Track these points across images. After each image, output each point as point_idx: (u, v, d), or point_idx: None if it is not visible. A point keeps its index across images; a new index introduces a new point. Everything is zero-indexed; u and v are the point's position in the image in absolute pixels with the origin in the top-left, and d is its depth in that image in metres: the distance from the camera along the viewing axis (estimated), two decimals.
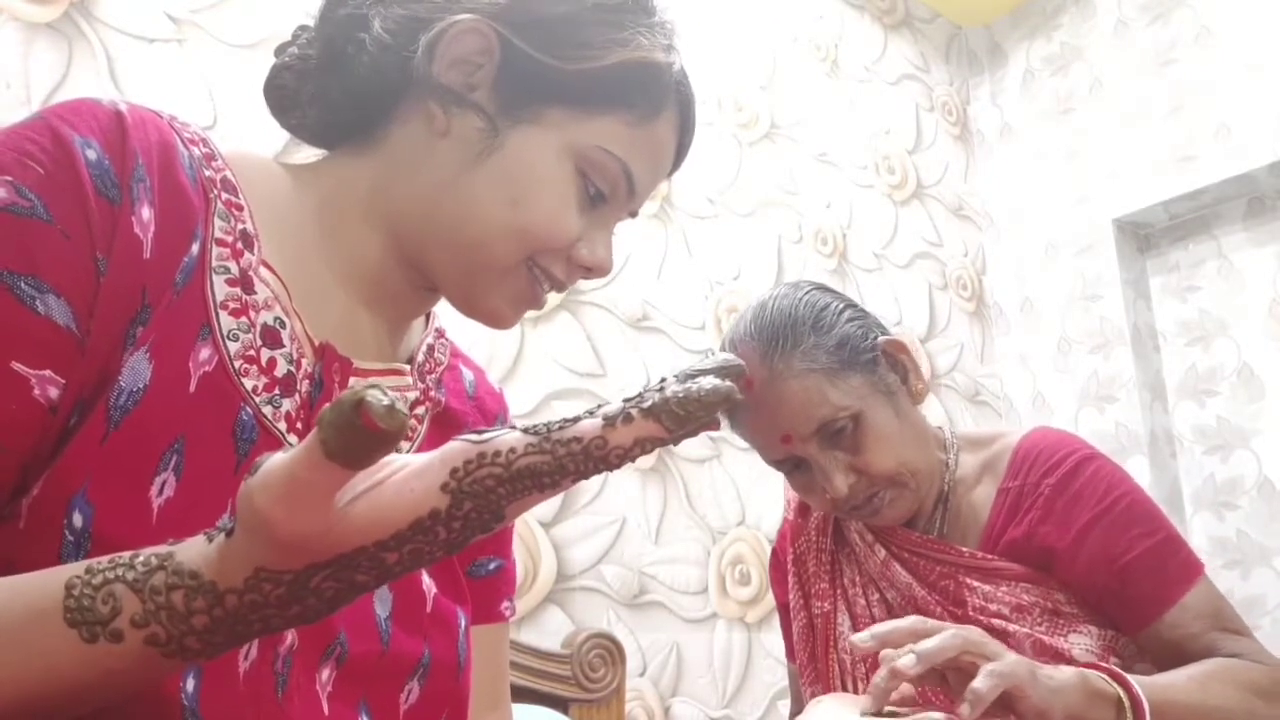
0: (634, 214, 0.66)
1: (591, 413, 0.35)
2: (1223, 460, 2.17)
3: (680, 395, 0.33)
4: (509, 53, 0.58)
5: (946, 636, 0.74)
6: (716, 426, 0.35)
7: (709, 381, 0.34)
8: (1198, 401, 2.24)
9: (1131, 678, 0.79)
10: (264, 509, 0.33)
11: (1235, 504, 2.13)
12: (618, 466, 0.34)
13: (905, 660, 0.73)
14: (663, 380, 0.35)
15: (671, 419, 0.33)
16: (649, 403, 0.34)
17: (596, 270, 0.62)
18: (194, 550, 0.36)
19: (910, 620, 0.78)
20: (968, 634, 0.75)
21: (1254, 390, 2.14)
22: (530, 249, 0.59)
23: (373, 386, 0.31)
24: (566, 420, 0.35)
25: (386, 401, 0.31)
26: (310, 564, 0.35)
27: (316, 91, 0.64)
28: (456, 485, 0.34)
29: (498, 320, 0.63)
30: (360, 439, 0.31)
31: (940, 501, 1.05)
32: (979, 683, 0.71)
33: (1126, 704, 0.77)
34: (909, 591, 1.02)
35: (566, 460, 0.34)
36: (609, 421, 0.34)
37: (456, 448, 0.35)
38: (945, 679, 0.78)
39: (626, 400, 0.34)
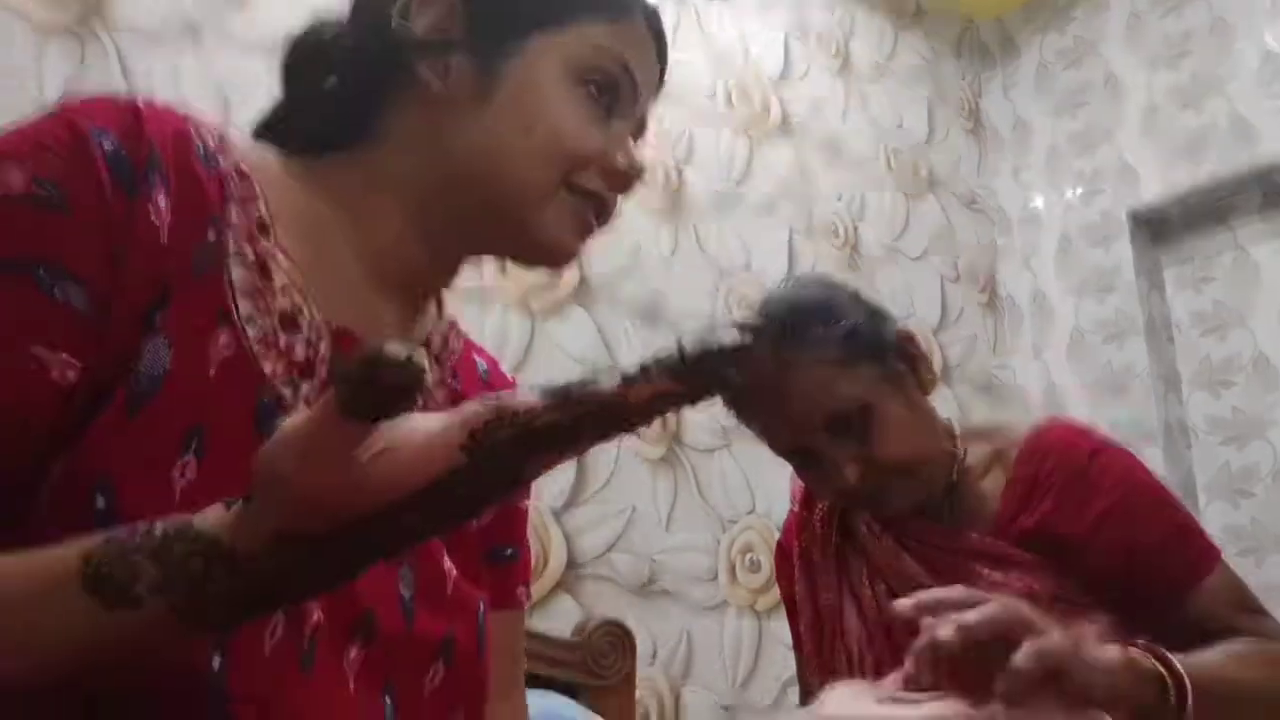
0: (642, 131, 0.65)
1: (610, 374, 0.35)
2: (1238, 449, 2.16)
3: (697, 352, 0.33)
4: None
5: (991, 609, 0.70)
6: (734, 385, 0.35)
7: (725, 334, 0.33)
8: (1212, 392, 2.23)
9: (1173, 656, 0.77)
10: (281, 468, 0.34)
11: (1250, 492, 2.12)
12: (636, 426, 0.34)
13: (945, 631, 0.69)
14: (680, 341, 0.35)
15: (688, 374, 0.33)
16: (665, 360, 0.34)
17: (633, 172, 0.61)
18: (213, 517, 0.37)
19: (957, 590, 0.75)
20: (1014, 607, 0.72)
21: (1269, 380, 2.13)
22: (562, 168, 0.59)
23: (389, 340, 0.31)
24: (585, 380, 0.35)
25: (403, 353, 0.31)
26: (329, 527, 0.35)
27: (314, 101, 0.64)
28: (475, 445, 0.34)
29: (560, 252, 0.62)
30: (376, 393, 0.31)
31: (949, 491, 1.04)
32: (1020, 659, 0.67)
33: (1169, 683, 0.75)
34: (917, 581, 1.01)
35: (585, 419, 0.34)
36: (627, 381, 0.34)
37: (475, 408, 0.35)
38: (987, 653, 0.76)
39: (643, 361, 0.34)
